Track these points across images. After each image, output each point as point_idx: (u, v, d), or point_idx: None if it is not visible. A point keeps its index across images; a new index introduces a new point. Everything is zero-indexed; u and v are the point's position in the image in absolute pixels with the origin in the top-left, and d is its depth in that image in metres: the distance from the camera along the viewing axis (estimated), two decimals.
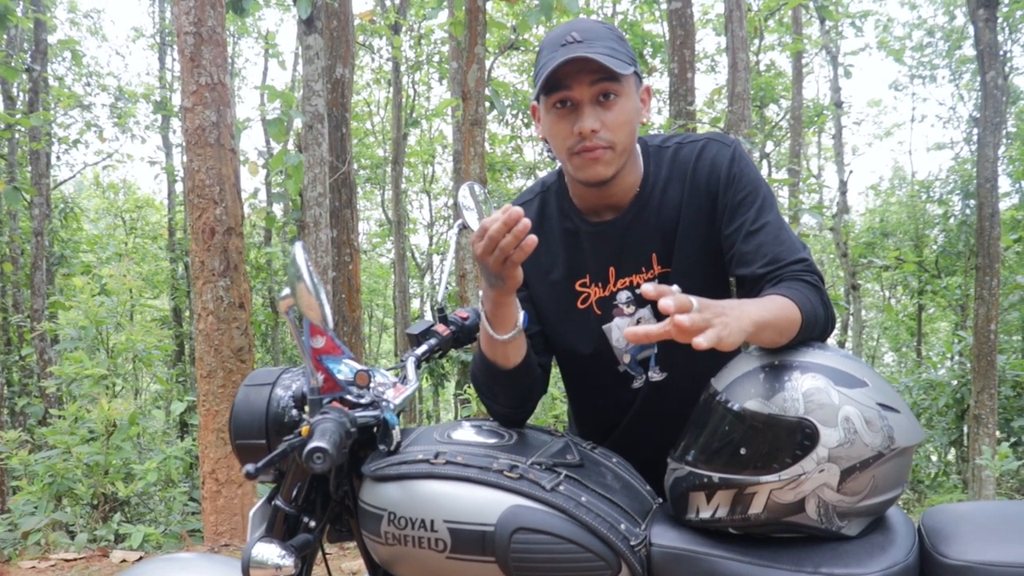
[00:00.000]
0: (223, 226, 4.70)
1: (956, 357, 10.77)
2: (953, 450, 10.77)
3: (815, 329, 1.38)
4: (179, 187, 14.24)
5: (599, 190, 1.59)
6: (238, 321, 4.77)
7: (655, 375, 1.69)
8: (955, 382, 10.06)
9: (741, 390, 1.28)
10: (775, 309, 1.30)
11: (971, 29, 12.80)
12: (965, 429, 9.81)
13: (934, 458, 11.51)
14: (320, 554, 1.64)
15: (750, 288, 1.51)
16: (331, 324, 1.28)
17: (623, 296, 1.65)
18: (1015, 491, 9.44)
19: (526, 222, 1.29)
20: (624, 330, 1.19)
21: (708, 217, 1.58)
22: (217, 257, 4.69)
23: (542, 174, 15.48)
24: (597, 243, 1.64)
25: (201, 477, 4.91)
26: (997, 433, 8.06)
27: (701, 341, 1.10)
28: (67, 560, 4.53)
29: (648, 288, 1.15)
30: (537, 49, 1.57)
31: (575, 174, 1.55)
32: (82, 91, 13.81)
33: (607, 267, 1.64)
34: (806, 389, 1.25)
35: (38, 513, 5.40)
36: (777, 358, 1.31)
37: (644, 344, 1.67)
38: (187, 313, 13.77)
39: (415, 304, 20.79)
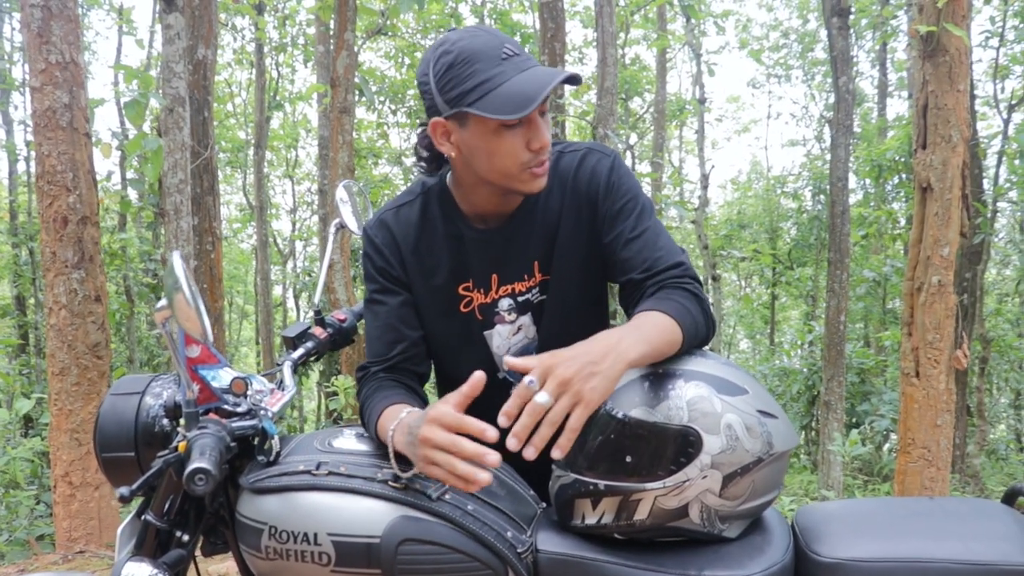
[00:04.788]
0: (77, 215, 4.43)
1: (807, 346, 11.36)
2: (804, 433, 11.37)
3: (696, 340, 1.41)
4: (21, 167, 13.35)
5: (509, 196, 1.58)
6: (94, 315, 4.52)
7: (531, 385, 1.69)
8: (807, 370, 10.62)
9: (626, 398, 1.30)
10: (655, 336, 1.31)
11: (822, 33, 13.48)
12: (815, 413, 10.38)
13: None
14: (194, 567, 1.58)
15: (631, 293, 1.54)
16: (211, 336, 1.22)
17: (505, 303, 1.65)
18: (858, 470, 10.07)
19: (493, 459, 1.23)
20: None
21: (588, 225, 1.60)
22: (70, 248, 4.42)
23: (408, 160, 15.38)
24: (481, 250, 1.63)
25: (52, 480, 4.63)
26: (844, 417, 8.56)
27: (559, 448, 1.18)
28: None
29: (513, 361, 1.23)
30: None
31: (520, 188, 1.51)
32: None
33: (490, 274, 1.64)
34: (690, 397, 1.27)
35: None
36: (661, 367, 1.33)
37: (522, 350, 1.68)
38: (31, 301, 12.96)
39: (277, 291, 20.27)
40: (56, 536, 4.66)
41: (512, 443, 1.16)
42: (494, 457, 1.20)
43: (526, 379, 1.18)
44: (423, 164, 1.63)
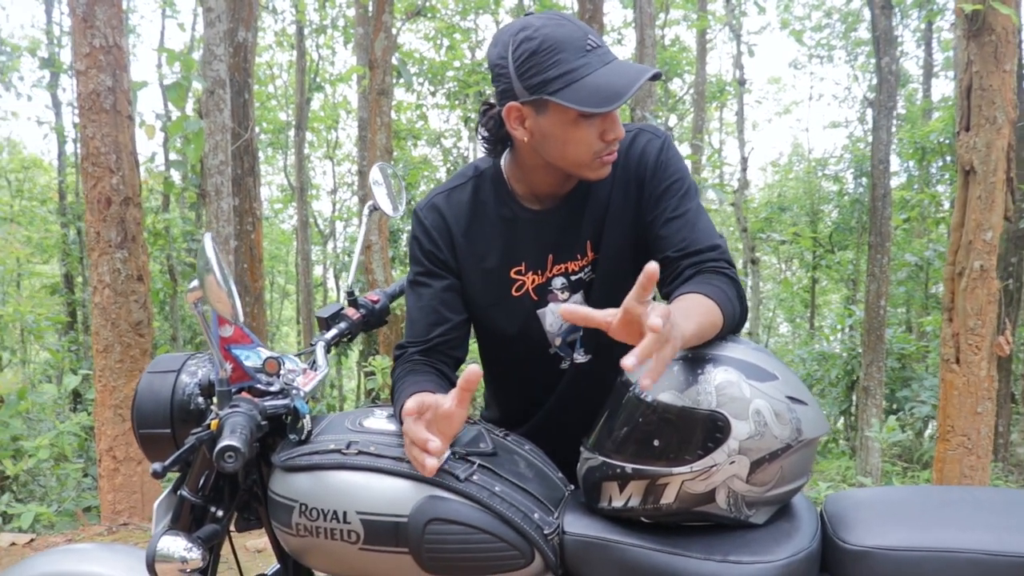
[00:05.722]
0: (120, 196, 4.52)
1: (847, 330, 11.22)
2: (842, 419, 11.25)
3: (732, 326, 1.41)
4: (69, 148, 13.57)
5: (570, 180, 1.60)
6: (136, 294, 4.60)
7: (580, 357, 1.71)
8: (846, 355, 10.48)
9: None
10: (701, 319, 1.31)
11: (866, 12, 13.24)
12: (854, 399, 10.27)
13: None
14: (228, 543, 1.61)
15: (665, 271, 1.54)
16: (241, 317, 1.24)
17: (558, 282, 1.66)
18: (897, 457, 9.95)
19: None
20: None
21: (635, 203, 1.61)
22: (114, 228, 4.51)
23: (447, 142, 15.39)
24: (535, 230, 1.64)
25: (98, 454, 4.75)
26: (883, 403, 8.45)
27: (650, 377, 1.12)
28: None
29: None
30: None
31: (588, 175, 1.53)
32: None
33: (546, 254, 1.65)
34: (719, 382, 1.27)
35: None
36: (691, 351, 1.32)
37: (572, 328, 1.69)
38: (79, 279, 13.21)
39: (317, 271, 20.48)
40: (101, 508, 4.78)
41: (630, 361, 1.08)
42: (434, 445, 1.27)
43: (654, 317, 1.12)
44: (486, 145, 1.63)
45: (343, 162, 20.26)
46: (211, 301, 1.21)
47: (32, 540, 4.41)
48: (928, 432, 9.85)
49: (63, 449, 6.36)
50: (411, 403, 1.32)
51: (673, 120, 17.19)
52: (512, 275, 1.66)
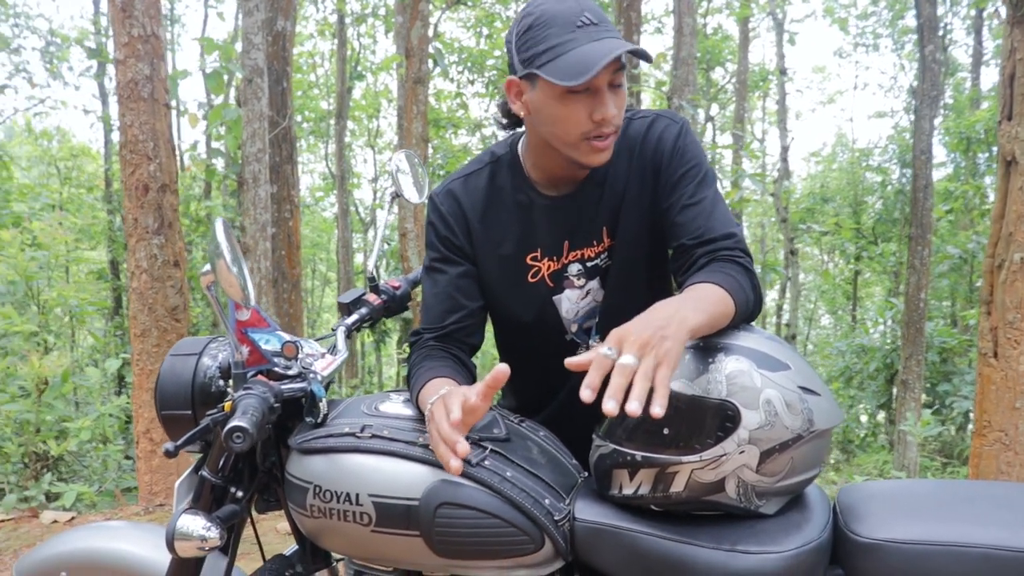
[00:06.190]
0: (157, 183, 4.59)
1: (888, 323, 11.06)
2: (882, 412, 11.10)
3: (744, 315, 1.40)
4: (116, 137, 13.78)
5: (577, 167, 1.58)
6: (173, 280, 4.68)
7: (595, 344, 1.70)
8: (886, 347, 10.33)
9: None
10: (711, 308, 1.30)
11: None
12: (894, 392, 10.12)
13: (863, 419, 11.84)
14: (250, 523, 1.64)
15: (681, 258, 1.54)
16: (253, 301, 1.26)
17: (574, 268, 1.66)
18: (936, 452, 9.80)
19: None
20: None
21: (651, 190, 1.60)
22: (151, 214, 4.59)
23: (487, 131, 15.39)
24: (551, 216, 1.64)
25: (135, 437, 4.84)
26: (923, 397, 8.32)
27: (659, 405, 1.10)
28: None
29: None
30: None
31: (580, 159, 1.52)
32: (10, 33, 13.22)
33: (562, 241, 1.64)
34: (729, 371, 1.26)
35: None
36: (702, 340, 1.31)
37: (588, 315, 1.69)
38: (124, 265, 13.44)
39: (358, 258, 20.64)
40: (139, 489, 4.88)
41: (610, 405, 1.09)
42: (463, 447, 1.22)
43: (603, 349, 1.14)
44: (501, 123, 1.65)
45: (384, 150, 20.39)
46: (222, 284, 1.23)
47: (73, 519, 4.52)
48: (969, 427, 9.69)
49: (104, 431, 6.50)
50: (456, 412, 1.26)
51: (715, 109, 17.03)
52: (528, 261, 1.65)
